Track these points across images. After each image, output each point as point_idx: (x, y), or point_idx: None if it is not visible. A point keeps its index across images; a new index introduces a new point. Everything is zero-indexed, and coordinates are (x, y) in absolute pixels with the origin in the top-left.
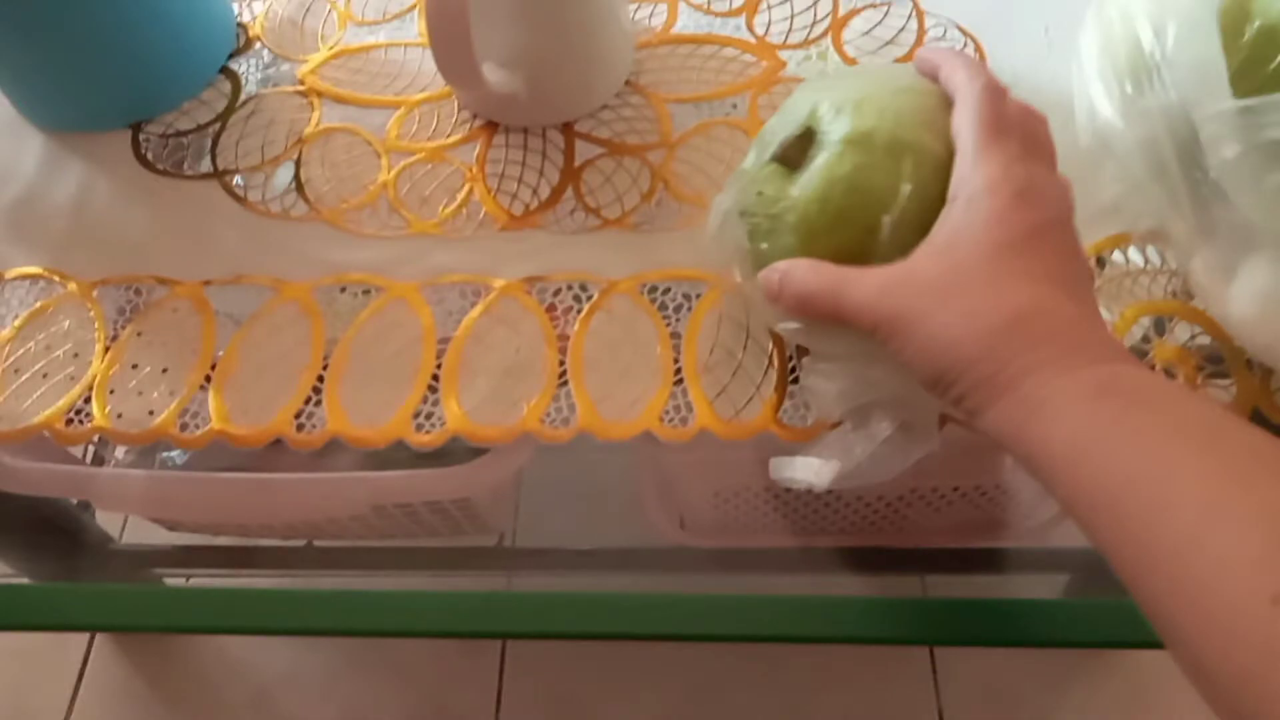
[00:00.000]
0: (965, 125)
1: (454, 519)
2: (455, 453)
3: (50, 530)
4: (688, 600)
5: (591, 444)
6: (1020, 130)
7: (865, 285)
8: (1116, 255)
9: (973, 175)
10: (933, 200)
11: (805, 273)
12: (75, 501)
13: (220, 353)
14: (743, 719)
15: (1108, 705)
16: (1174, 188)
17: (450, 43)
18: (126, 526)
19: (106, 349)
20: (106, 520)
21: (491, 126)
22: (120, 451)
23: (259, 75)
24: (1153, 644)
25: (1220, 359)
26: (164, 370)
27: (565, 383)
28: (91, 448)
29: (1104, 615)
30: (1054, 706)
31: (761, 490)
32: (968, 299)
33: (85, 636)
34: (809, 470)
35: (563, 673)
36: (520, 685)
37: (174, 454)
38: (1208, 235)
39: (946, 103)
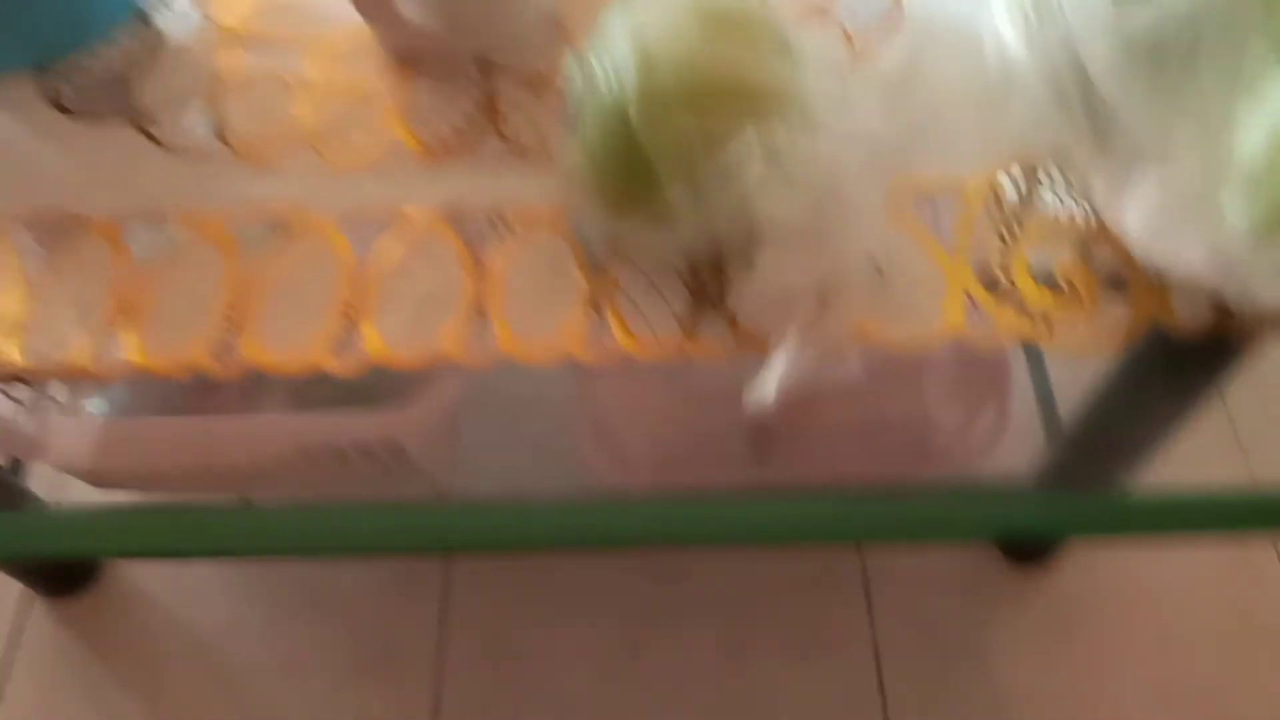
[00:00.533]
0: None
1: (387, 467)
2: (389, 399)
3: None
4: (623, 506)
5: (528, 389)
6: None
7: None
8: (1021, 178)
9: None
10: None
11: None
12: (5, 465)
13: (137, 291)
14: (680, 649)
15: (1034, 629)
16: (1073, 112)
17: None
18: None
19: (23, 289)
20: (41, 489)
21: (411, 64)
22: None
23: (175, 19)
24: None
25: (1121, 277)
26: (80, 309)
27: (485, 313)
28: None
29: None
30: (985, 636)
31: (692, 427)
32: None
33: (16, 597)
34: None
35: (502, 611)
36: (460, 624)
37: (97, 404)
38: (1104, 155)
39: None
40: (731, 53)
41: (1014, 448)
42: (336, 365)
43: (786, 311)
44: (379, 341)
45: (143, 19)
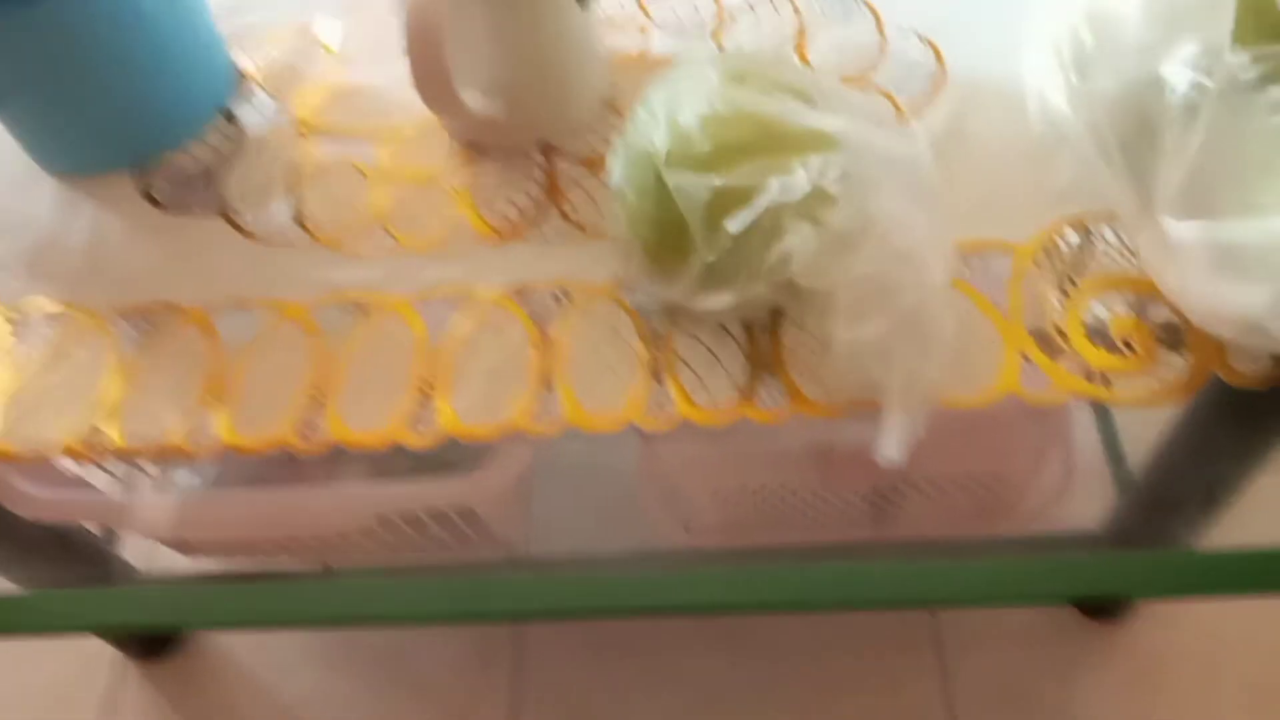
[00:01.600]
0: None
1: (462, 533)
2: (462, 468)
3: (74, 562)
4: (693, 576)
5: (596, 456)
6: None
7: None
8: (1072, 235)
9: None
10: None
11: None
12: (101, 535)
13: (226, 373)
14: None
15: (1118, 687)
16: (1119, 167)
17: (430, 75)
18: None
19: (120, 375)
20: (133, 556)
21: (476, 149)
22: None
23: (257, 115)
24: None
25: (1177, 329)
26: (174, 392)
27: (551, 384)
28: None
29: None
30: (1067, 696)
31: (757, 487)
32: None
33: (109, 666)
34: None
35: (576, 685)
36: (536, 697)
37: (189, 478)
38: (1151, 212)
39: None
40: (760, 109)
41: (1083, 501)
42: (414, 439)
43: (862, 373)
44: (452, 415)
45: (227, 116)
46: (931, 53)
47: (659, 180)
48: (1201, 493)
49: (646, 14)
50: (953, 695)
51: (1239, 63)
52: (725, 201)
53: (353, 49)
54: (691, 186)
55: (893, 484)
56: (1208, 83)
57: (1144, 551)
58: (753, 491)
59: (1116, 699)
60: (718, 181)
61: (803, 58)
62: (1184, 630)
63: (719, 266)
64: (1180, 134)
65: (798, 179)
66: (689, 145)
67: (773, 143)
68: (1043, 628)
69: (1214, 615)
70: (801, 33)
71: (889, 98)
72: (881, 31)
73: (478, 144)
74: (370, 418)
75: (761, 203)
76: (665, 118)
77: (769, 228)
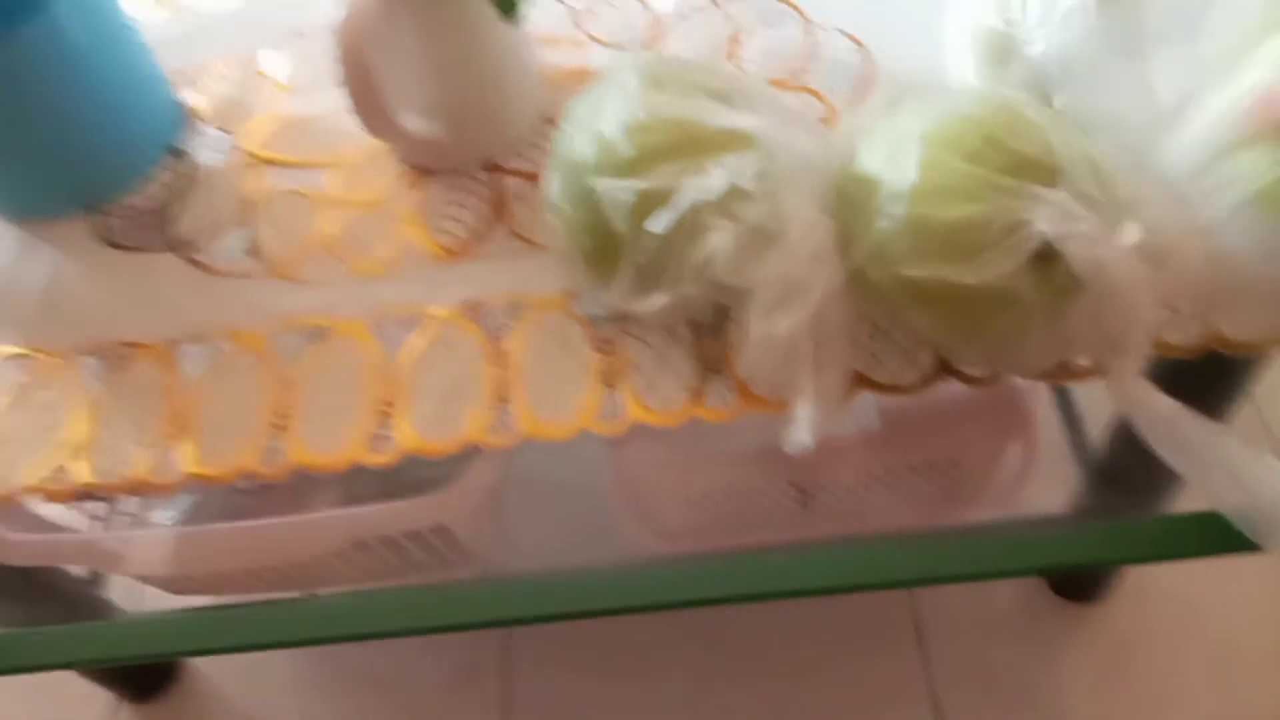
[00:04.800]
0: None
1: (439, 552)
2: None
3: (55, 604)
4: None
5: (570, 469)
6: None
7: None
8: None
9: None
10: None
11: None
12: (86, 577)
13: (189, 406)
14: (741, 717)
15: (1095, 664)
16: None
17: (365, 101)
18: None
19: (86, 413)
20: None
21: (423, 172)
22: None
23: (207, 150)
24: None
25: None
26: (138, 427)
27: (506, 398)
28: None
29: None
30: (1047, 676)
31: (727, 490)
32: None
33: (102, 707)
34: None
35: (563, 699)
36: (525, 712)
37: (166, 515)
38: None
39: None
40: (679, 112)
41: (1049, 484)
42: (374, 458)
43: (784, 366)
44: (411, 432)
45: (177, 153)
46: (859, 51)
47: (588, 189)
48: (1157, 467)
49: (583, 30)
50: (934, 680)
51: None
52: (650, 204)
53: (298, 80)
54: (616, 191)
55: (857, 477)
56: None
57: (1105, 520)
58: (723, 494)
59: (1091, 677)
60: (641, 185)
61: (736, 62)
62: (1154, 608)
63: (649, 268)
64: None
65: (714, 178)
66: (613, 152)
67: (692, 144)
68: (1020, 612)
69: (1185, 592)
70: (733, 39)
71: (818, 96)
72: (810, 33)
73: (424, 166)
74: (331, 440)
75: (681, 202)
76: (590, 127)
77: (692, 228)
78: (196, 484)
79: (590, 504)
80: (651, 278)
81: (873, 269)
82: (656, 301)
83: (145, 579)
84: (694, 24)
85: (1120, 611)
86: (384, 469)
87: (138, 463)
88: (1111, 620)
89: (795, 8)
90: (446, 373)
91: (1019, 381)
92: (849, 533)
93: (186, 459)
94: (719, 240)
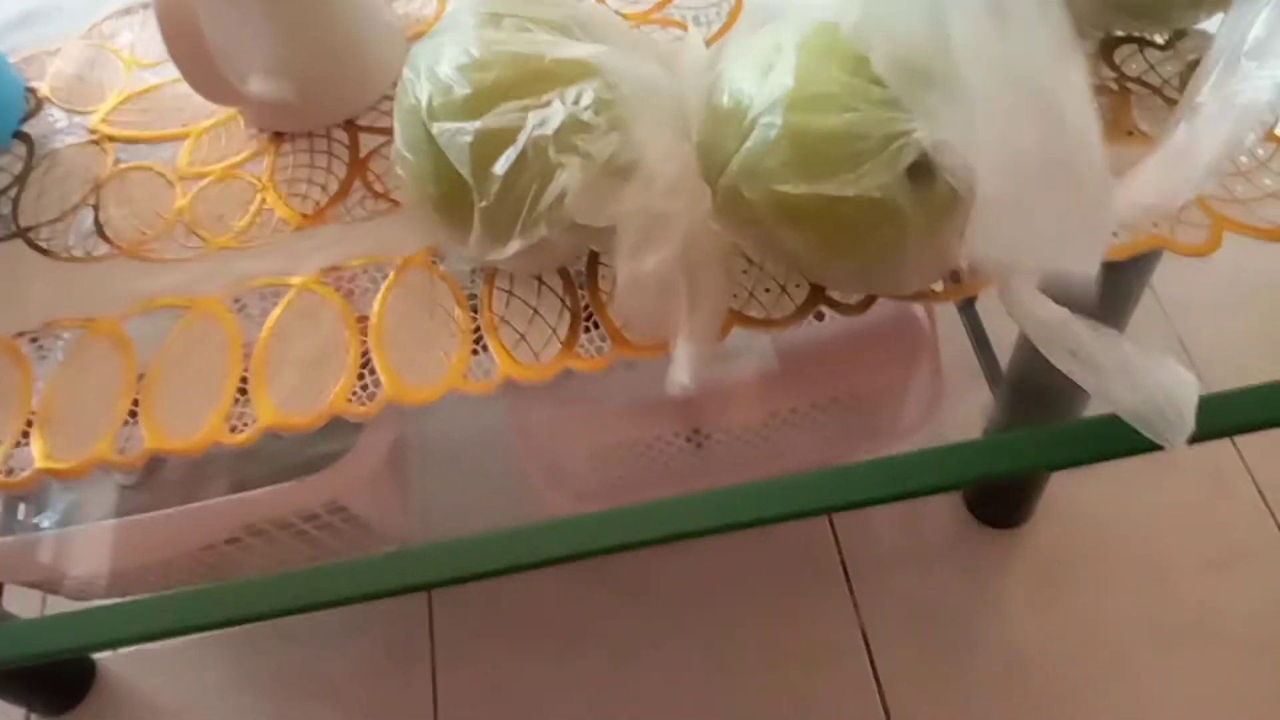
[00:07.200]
0: None
1: (344, 533)
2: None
3: None
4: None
5: (477, 435)
6: None
7: None
8: None
9: None
10: None
11: None
12: None
13: (38, 399)
14: (671, 671)
15: (1023, 588)
16: None
17: (194, 66)
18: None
19: None
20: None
21: (278, 136)
22: None
23: (52, 132)
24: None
25: None
26: None
27: (370, 362)
28: None
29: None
30: (976, 604)
31: (633, 442)
32: None
33: None
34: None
35: (492, 666)
36: (455, 686)
37: (42, 517)
38: None
39: None
40: (515, 47)
41: (963, 407)
42: (232, 438)
43: (656, 306)
44: (270, 408)
45: (21, 137)
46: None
47: (428, 134)
48: (1063, 378)
49: None
50: (866, 619)
51: None
52: (492, 145)
53: (143, 53)
54: (454, 133)
55: (761, 419)
56: None
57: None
58: (627, 449)
59: (1021, 600)
60: (478, 125)
61: None
62: (1076, 526)
63: (500, 214)
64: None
65: (553, 110)
66: (449, 94)
67: (533, 80)
68: (946, 543)
69: (1107, 508)
70: None
71: (680, 26)
72: None
73: (278, 130)
74: (189, 423)
75: (521, 138)
76: (426, 71)
77: (540, 168)
78: (50, 479)
79: (503, 469)
80: (505, 224)
81: (746, 187)
82: (512, 248)
83: (36, 585)
84: None
85: (1044, 534)
86: (277, 451)
87: None
88: (1036, 542)
89: None
90: (308, 343)
91: (917, 309)
92: (769, 477)
93: (37, 454)
94: (567, 177)
